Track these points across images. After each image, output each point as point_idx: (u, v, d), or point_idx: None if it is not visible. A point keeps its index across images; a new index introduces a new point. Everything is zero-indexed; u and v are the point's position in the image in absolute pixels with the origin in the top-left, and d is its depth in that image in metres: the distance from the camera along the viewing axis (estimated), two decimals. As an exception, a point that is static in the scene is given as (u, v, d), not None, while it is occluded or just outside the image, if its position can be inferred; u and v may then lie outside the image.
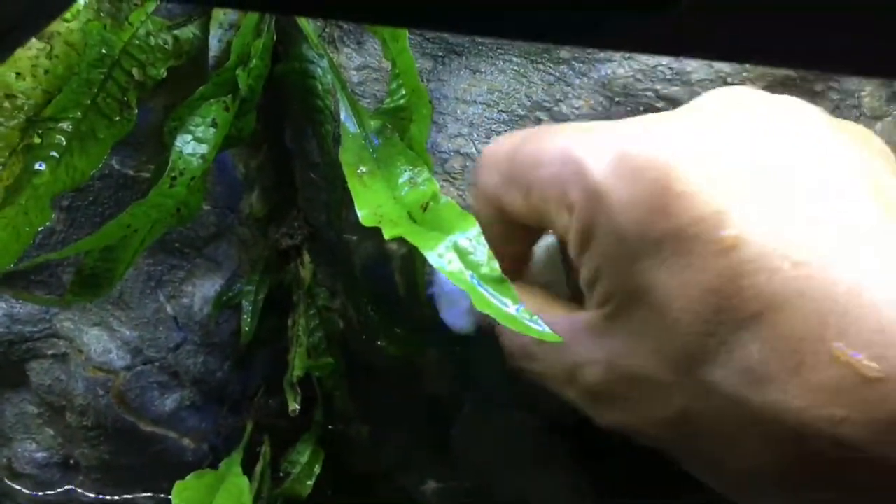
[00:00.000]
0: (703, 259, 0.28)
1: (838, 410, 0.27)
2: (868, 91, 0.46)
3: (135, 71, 0.45)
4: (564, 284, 0.40)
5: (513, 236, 0.39)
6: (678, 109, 0.34)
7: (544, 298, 0.39)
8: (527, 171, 0.35)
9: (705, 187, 0.28)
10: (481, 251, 0.38)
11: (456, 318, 0.46)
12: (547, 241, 0.41)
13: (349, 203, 0.47)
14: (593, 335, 0.33)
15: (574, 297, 0.38)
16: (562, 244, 0.40)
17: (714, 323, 0.28)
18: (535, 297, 0.39)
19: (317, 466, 0.59)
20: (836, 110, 0.47)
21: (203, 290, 0.60)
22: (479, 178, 0.37)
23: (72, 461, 0.65)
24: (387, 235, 0.43)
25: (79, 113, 0.44)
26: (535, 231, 0.40)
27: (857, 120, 0.46)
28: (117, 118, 0.46)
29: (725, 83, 0.47)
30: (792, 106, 0.32)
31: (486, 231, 0.38)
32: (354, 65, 0.52)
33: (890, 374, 0.27)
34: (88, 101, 0.44)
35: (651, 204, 0.29)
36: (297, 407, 0.54)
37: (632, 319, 0.31)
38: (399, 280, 0.54)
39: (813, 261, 0.27)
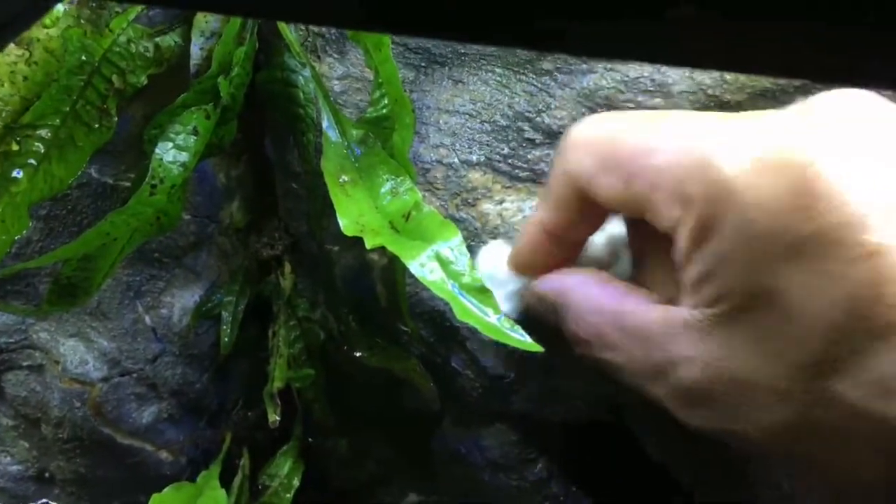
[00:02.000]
0: (843, 264, 0.27)
1: None
2: (847, 104, 0.47)
3: (115, 78, 0.45)
4: (626, 274, 0.39)
5: (586, 221, 0.37)
6: (798, 108, 0.32)
7: (621, 285, 0.37)
8: (633, 158, 0.33)
9: (850, 189, 0.27)
10: (463, 260, 0.38)
11: (499, 301, 0.45)
12: (610, 227, 0.40)
13: (330, 213, 0.47)
14: (695, 334, 0.32)
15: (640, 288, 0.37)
16: (631, 235, 0.38)
17: (850, 331, 0.27)
18: (610, 283, 0.37)
19: (296, 479, 0.59)
20: (816, 123, 0.47)
21: (182, 301, 0.60)
22: (566, 159, 0.36)
23: (47, 474, 0.63)
24: (368, 245, 0.42)
25: (57, 120, 0.44)
26: (603, 219, 0.39)
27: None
28: (97, 126, 0.45)
29: (706, 95, 0.48)
30: None
31: (563, 212, 0.37)
32: (337, 74, 0.52)
33: None
34: (67, 109, 0.44)
35: (791, 203, 0.28)
36: (277, 419, 0.54)
37: (750, 321, 0.29)
38: (380, 291, 0.54)
39: None
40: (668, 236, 0.32)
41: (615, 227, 0.40)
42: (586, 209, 0.36)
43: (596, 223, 0.38)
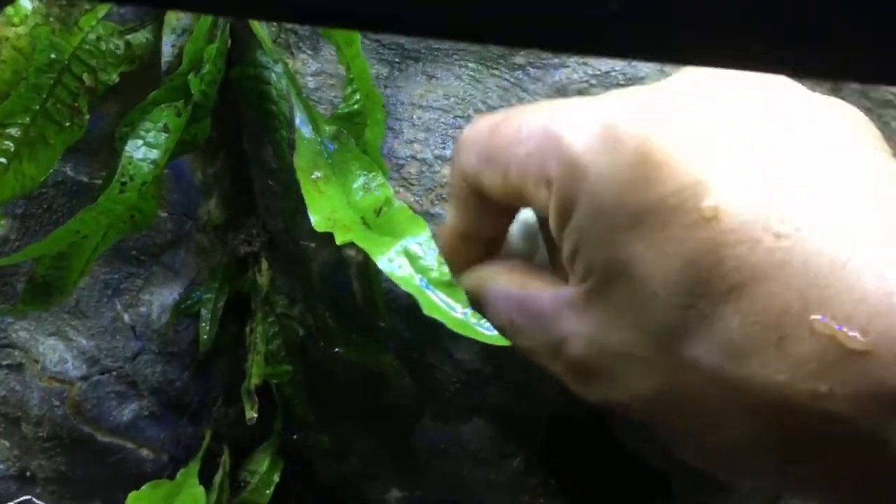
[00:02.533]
0: (682, 230, 0.28)
1: (821, 384, 0.27)
2: (817, 96, 0.47)
3: (85, 76, 0.45)
4: (546, 260, 0.40)
5: (491, 216, 0.39)
6: (658, 83, 0.34)
7: (527, 271, 0.38)
8: (505, 149, 0.34)
9: (685, 157, 0.28)
10: (431, 255, 0.38)
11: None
12: (523, 216, 0.41)
13: (305, 209, 0.47)
14: (576, 310, 0.33)
15: (556, 272, 0.38)
16: (541, 221, 0.40)
17: (694, 296, 0.28)
18: (517, 270, 0.39)
19: (276, 475, 0.59)
20: (786, 115, 0.47)
21: (161, 299, 0.60)
22: (457, 159, 0.37)
23: (28, 473, 0.64)
24: (338, 241, 0.43)
25: (28, 118, 0.44)
26: (513, 210, 0.40)
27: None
28: (68, 124, 0.45)
29: (678, 89, 0.48)
30: (775, 81, 0.32)
31: (466, 212, 0.38)
32: (311, 70, 0.52)
33: (874, 345, 0.27)
34: (37, 107, 0.44)
35: (630, 175, 0.28)
36: (255, 415, 0.54)
37: (612, 294, 0.30)
38: (357, 287, 0.54)
39: (795, 232, 0.27)
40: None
41: (528, 215, 0.41)
42: (486, 206, 0.38)
43: (502, 217, 0.40)
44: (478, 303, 0.40)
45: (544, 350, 0.35)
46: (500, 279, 0.38)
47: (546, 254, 0.40)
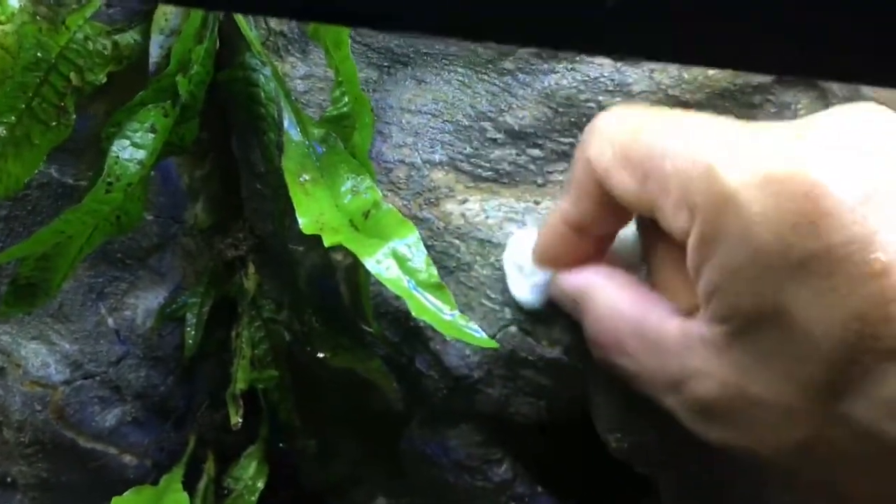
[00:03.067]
0: (849, 283, 0.27)
1: None
2: (804, 104, 0.47)
3: (72, 76, 0.45)
4: (640, 274, 0.38)
5: (611, 214, 0.37)
6: (808, 121, 0.32)
7: (639, 289, 0.36)
8: (648, 158, 0.32)
9: (856, 208, 0.27)
10: (419, 257, 0.38)
11: (524, 291, 0.44)
12: (633, 227, 0.40)
13: (293, 212, 0.47)
14: (710, 349, 0.31)
15: (660, 293, 0.37)
16: (647, 237, 0.38)
17: (858, 351, 0.27)
18: (628, 286, 0.37)
19: (260, 482, 0.58)
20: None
21: (146, 302, 0.59)
22: (589, 149, 0.35)
23: (9, 479, 0.63)
24: (327, 243, 0.42)
25: (13, 118, 0.43)
26: (630, 215, 0.38)
27: (794, 131, 0.47)
28: (54, 124, 0.45)
29: (666, 94, 0.48)
30: None
31: (585, 202, 0.36)
32: (299, 74, 0.52)
33: None
34: (23, 106, 0.43)
35: (796, 221, 0.27)
36: (240, 420, 0.54)
37: (761, 340, 0.29)
38: (344, 291, 0.54)
39: None
40: (682, 242, 0.32)
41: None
42: (608, 202, 0.36)
43: (620, 217, 0.37)
44: (575, 308, 0.38)
45: (658, 381, 0.33)
46: (610, 291, 0.36)
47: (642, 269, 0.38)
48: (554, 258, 0.40)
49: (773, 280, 0.28)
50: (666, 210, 0.32)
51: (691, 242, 0.31)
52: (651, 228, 0.35)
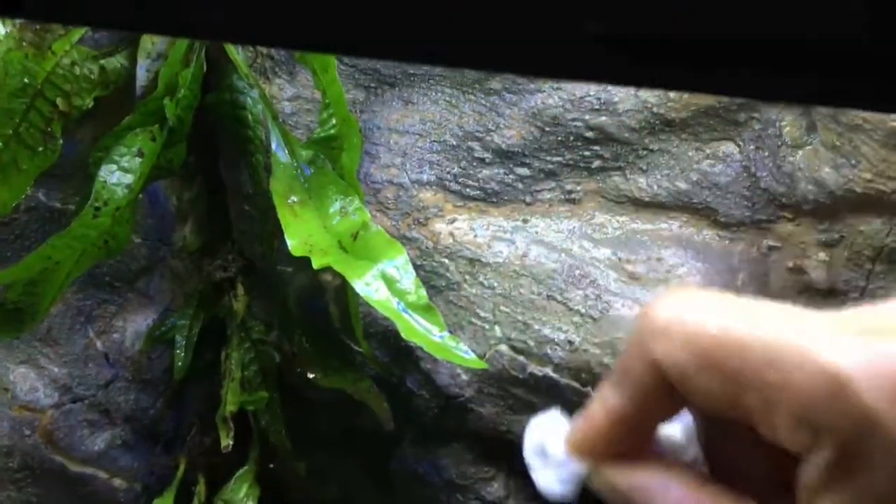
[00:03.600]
0: None
1: None
2: (788, 121, 0.47)
3: (59, 101, 0.45)
4: (696, 464, 0.37)
5: (664, 411, 0.35)
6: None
7: (707, 489, 0.35)
8: (744, 366, 0.31)
9: None
10: (408, 279, 0.38)
11: (551, 482, 0.42)
12: (685, 420, 0.38)
13: (282, 234, 0.47)
14: None
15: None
16: (704, 429, 0.37)
17: None
18: (694, 485, 0.35)
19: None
20: (758, 139, 0.48)
21: (135, 325, 0.59)
22: (653, 347, 0.33)
23: (-3, 505, 0.62)
24: (316, 265, 0.42)
25: (0, 143, 0.43)
26: (681, 406, 0.36)
27: (778, 149, 0.47)
28: (41, 149, 0.45)
29: (652, 113, 0.48)
30: None
31: (640, 398, 0.34)
32: (287, 95, 0.52)
33: None
34: (10, 132, 0.43)
35: None
36: (230, 443, 0.53)
37: None
38: (334, 311, 0.54)
39: None
40: (763, 441, 0.31)
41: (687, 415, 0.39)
42: (666, 399, 0.34)
43: (673, 412, 0.36)
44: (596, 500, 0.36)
45: None
46: (674, 491, 0.34)
47: (699, 456, 0.37)
48: (594, 451, 0.38)
49: None
50: (772, 425, 0.31)
51: (818, 464, 0.30)
52: (719, 429, 0.35)
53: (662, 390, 0.34)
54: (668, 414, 0.37)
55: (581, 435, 0.39)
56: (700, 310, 0.34)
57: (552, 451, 0.42)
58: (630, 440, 0.37)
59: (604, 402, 0.37)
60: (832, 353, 0.29)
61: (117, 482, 0.61)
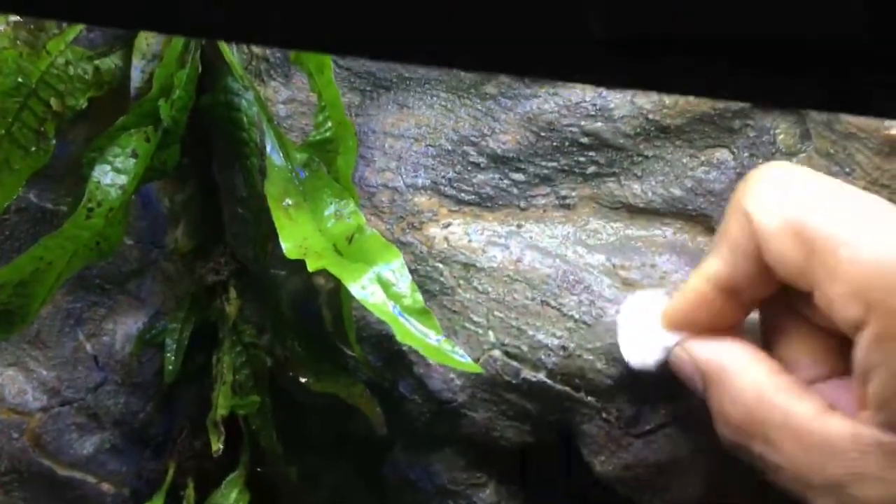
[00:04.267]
0: None
1: None
2: (783, 128, 0.48)
3: (52, 101, 0.44)
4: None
5: (766, 276, 0.35)
6: None
7: (786, 376, 0.35)
8: (820, 239, 0.31)
9: None
10: (404, 282, 0.38)
11: (640, 352, 0.41)
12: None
13: (276, 237, 0.47)
14: (890, 456, 0.30)
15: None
16: (786, 320, 0.37)
17: None
18: (775, 370, 0.35)
19: (241, 509, 0.58)
20: (752, 147, 0.48)
21: (125, 328, 0.59)
22: (751, 205, 0.34)
23: (-16, 509, 0.62)
24: (311, 268, 0.42)
25: (-8, 143, 0.43)
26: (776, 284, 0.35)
27: (772, 156, 0.47)
28: (33, 149, 0.45)
29: (647, 119, 0.49)
30: None
31: (744, 265, 0.34)
32: (282, 98, 0.52)
33: None
34: (3, 131, 0.43)
35: None
36: (221, 447, 0.53)
37: None
38: (326, 315, 0.53)
39: None
40: (818, 320, 0.31)
41: None
42: (757, 265, 0.34)
43: (762, 284, 0.36)
44: (703, 378, 0.36)
45: (814, 479, 0.32)
46: (753, 372, 0.34)
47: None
48: (692, 322, 0.38)
49: None
50: (831, 295, 0.31)
51: (865, 340, 0.31)
52: (780, 307, 0.35)
53: (753, 253, 0.34)
54: (758, 286, 0.36)
55: (681, 306, 0.39)
56: (798, 178, 0.35)
57: (649, 323, 0.41)
58: (728, 313, 0.37)
59: (704, 270, 0.37)
60: (892, 241, 0.29)
61: (105, 486, 0.61)
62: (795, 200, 0.34)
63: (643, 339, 0.41)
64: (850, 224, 0.32)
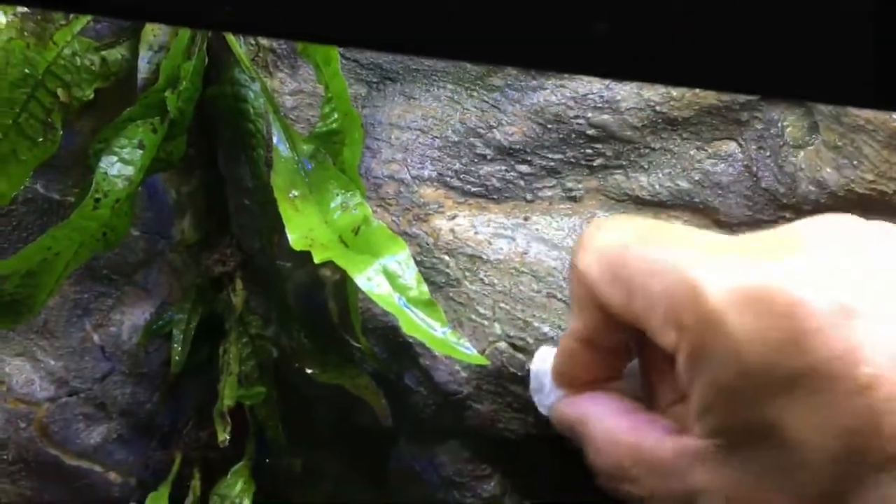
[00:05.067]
0: (838, 398, 0.27)
1: None
2: (791, 121, 0.47)
3: (59, 91, 0.44)
4: (637, 390, 0.38)
5: (612, 326, 0.37)
6: (787, 233, 0.32)
7: (648, 416, 0.36)
8: (634, 275, 0.33)
9: (838, 323, 0.28)
10: (410, 274, 0.38)
11: (541, 404, 0.43)
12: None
13: (282, 228, 0.47)
14: (708, 466, 0.32)
15: (656, 408, 0.37)
16: (643, 353, 0.38)
17: (851, 464, 0.28)
18: (623, 409, 0.37)
19: (247, 499, 0.58)
20: (760, 139, 0.48)
21: (132, 319, 0.59)
22: (579, 262, 0.36)
23: (-9, 498, 0.62)
24: (317, 259, 0.42)
25: (0, 133, 0.43)
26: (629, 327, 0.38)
27: (779, 149, 0.47)
28: (41, 140, 0.45)
29: (654, 111, 0.48)
30: None
31: (586, 316, 0.36)
32: (288, 89, 0.52)
33: None
34: (10, 122, 0.43)
35: (781, 339, 0.28)
36: (227, 437, 0.53)
37: (755, 456, 0.30)
38: (332, 307, 0.54)
39: None
40: (671, 356, 0.32)
41: None
42: (607, 314, 0.35)
43: (622, 330, 0.37)
44: (574, 434, 0.38)
45: (667, 501, 0.33)
46: (607, 419, 0.36)
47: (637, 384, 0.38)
48: (570, 378, 0.40)
49: (762, 397, 0.29)
50: (654, 327, 0.33)
51: (680, 360, 0.32)
52: (644, 343, 0.36)
53: (595, 303, 0.36)
54: (609, 332, 0.38)
55: (558, 365, 0.41)
56: (612, 227, 0.36)
57: (545, 382, 0.43)
58: (598, 362, 0.38)
59: (568, 329, 0.39)
60: (697, 265, 0.31)
61: (112, 476, 0.61)
62: (613, 247, 0.35)
63: (543, 398, 0.43)
64: (658, 257, 0.33)
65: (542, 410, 0.44)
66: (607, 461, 0.36)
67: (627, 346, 0.38)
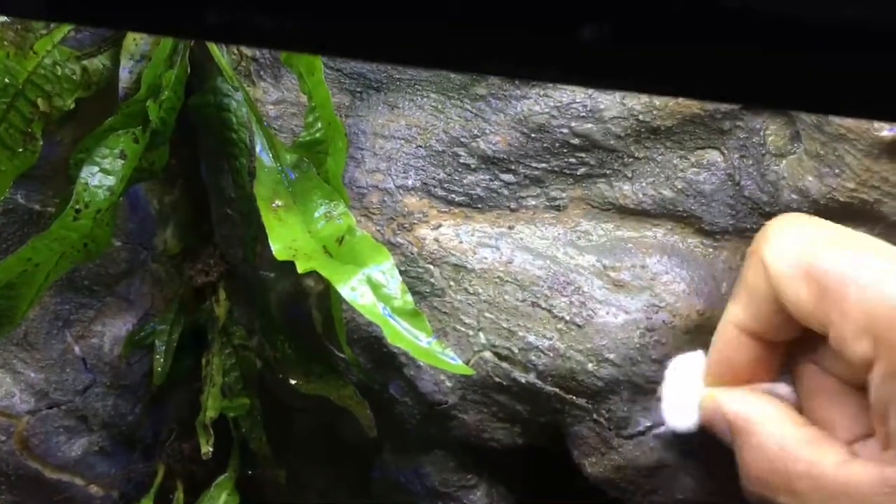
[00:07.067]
0: None
1: None
2: (772, 130, 0.48)
3: (40, 101, 0.44)
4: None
5: (787, 321, 0.36)
6: None
7: (819, 435, 0.36)
8: (829, 278, 0.33)
9: None
10: (394, 284, 0.38)
11: (681, 414, 0.42)
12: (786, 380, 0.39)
13: (265, 238, 0.46)
14: None
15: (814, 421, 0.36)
16: (812, 380, 0.37)
17: None
18: (794, 419, 0.36)
19: (231, 512, 0.57)
20: (743, 148, 0.48)
21: (114, 330, 0.58)
22: (766, 254, 0.35)
23: (-29, 512, 0.61)
24: (300, 269, 0.42)
25: (-21, 143, 0.43)
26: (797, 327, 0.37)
27: (762, 158, 0.48)
28: (20, 150, 0.44)
29: (637, 120, 0.49)
30: None
31: (761, 308, 0.35)
32: (272, 99, 0.52)
33: None
34: (-11, 132, 0.43)
35: None
36: (210, 449, 0.53)
37: None
38: (316, 317, 0.53)
39: None
40: (850, 378, 0.32)
41: None
42: (783, 310, 0.35)
43: (793, 325, 0.37)
44: (731, 431, 0.37)
45: None
46: (778, 425, 0.35)
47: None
48: (728, 368, 0.39)
49: None
50: (842, 334, 0.32)
51: (876, 376, 0.32)
52: (812, 371, 0.35)
53: (776, 298, 0.35)
54: (791, 327, 0.37)
55: (716, 358, 0.40)
56: (801, 225, 0.36)
57: (690, 384, 0.42)
58: (760, 351, 0.37)
59: (728, 320, 0.38)
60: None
61: (94, 489, 0.60)
62: (807, 245, 0.35)
63: (685, 400, 0.42)
64: (858, 264, 0.33)
65: (680, 419, 0.42)
66: (769, 467, 0.35)
67: (788, 351, 0.37)
